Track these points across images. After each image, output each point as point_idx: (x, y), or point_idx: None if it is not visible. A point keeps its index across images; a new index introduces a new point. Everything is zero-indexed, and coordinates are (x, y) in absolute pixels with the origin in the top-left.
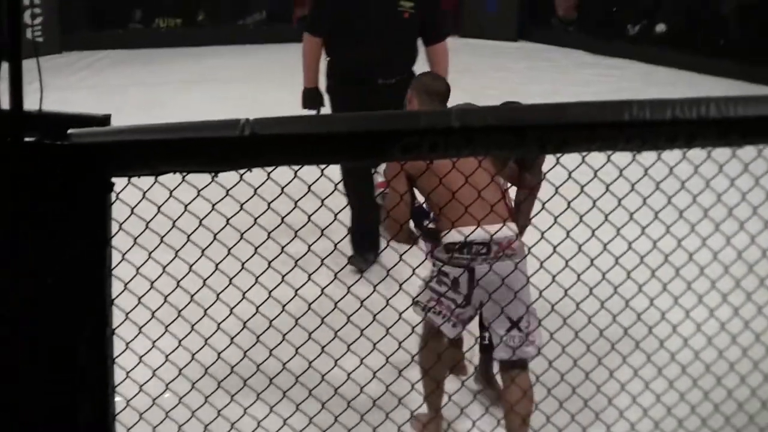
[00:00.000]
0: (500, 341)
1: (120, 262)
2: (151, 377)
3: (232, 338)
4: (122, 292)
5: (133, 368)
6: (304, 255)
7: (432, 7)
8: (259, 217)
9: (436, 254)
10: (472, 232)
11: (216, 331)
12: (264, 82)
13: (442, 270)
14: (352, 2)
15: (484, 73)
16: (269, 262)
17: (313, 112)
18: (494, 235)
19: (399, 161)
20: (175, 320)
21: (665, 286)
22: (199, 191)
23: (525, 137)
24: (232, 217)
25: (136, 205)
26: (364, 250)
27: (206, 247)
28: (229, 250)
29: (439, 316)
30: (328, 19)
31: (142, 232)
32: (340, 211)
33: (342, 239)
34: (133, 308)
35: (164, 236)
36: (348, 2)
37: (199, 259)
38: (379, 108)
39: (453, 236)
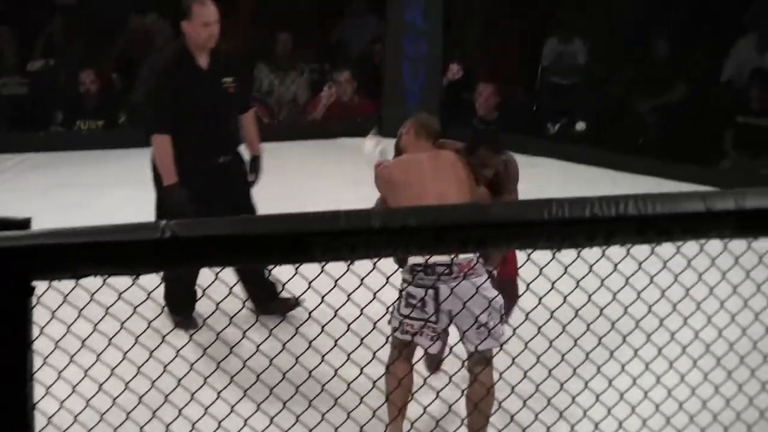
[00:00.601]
0: (463, 336)
1: (41, 366)
2: None
3: None
4: (44, 396)
5: None
6: (225, 357)
7: (242, 79)
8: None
9: (402, 275)
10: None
11: None
12: None
13: (408, 292)
14: (188, 91)
15: None
16: (191, 364)
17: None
18: (455, 258)
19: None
20: (98, 424)
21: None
22: (120, 294)
23: (445, 237)
24: (153, 320)
25: (57, 309)
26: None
27: (128, 350)
28: (151, 353)
29: (410, 335)
30: (173, 115)
31: (63, 336)
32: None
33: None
34: (55, 412)
35: (85, 339)
36: (185, 92)
37: (120, 362)
38: (222, 186)
39: (416, 258)
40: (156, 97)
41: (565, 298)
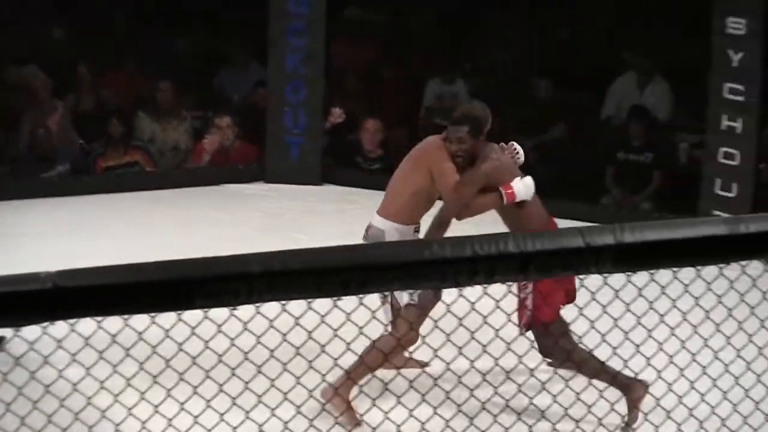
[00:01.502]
0: None
1: None
2: None
3: None
4: None
5: None
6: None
7: None
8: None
9: None
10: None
11: None
12: (75, 233)
13: None
14: None
15: (293, 218)
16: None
17: None
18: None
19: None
20: None
21: None
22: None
23: (326, 279)
24: (35, 371)
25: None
26: None
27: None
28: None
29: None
30: None
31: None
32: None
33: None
34: None
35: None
36: None
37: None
38: None
39: None
40: None
41: (472, 334)
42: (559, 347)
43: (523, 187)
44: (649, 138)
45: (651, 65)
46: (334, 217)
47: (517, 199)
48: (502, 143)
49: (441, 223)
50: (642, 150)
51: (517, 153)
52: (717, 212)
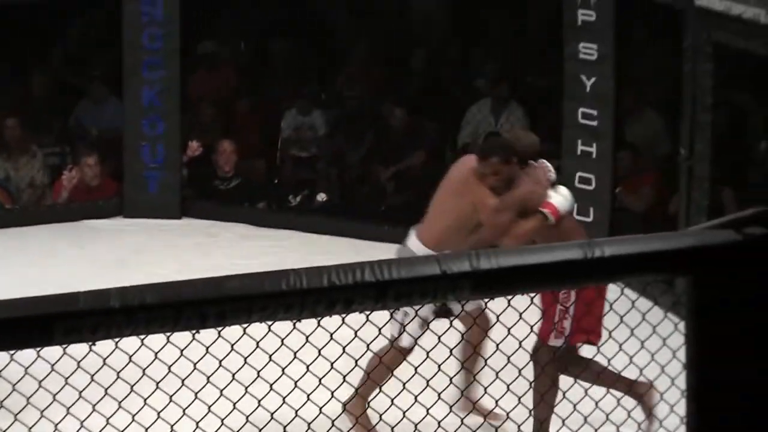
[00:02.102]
0: None
1: None
2: None
3: None
4: None
5: None
6: None
7: None
8: None
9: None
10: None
11: None
12: None
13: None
14: None
15: (153, 252)
16: None
17: None
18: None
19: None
20: None
21: None
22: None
23: (183, 313)
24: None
25: None
26: None
27: None
28: None
29: None
30: None
31: None
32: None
33: None
34: None
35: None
36: None
37: None
38: None
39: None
40: None
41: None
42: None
43: (562, 198)
44: None
45: (506, 91)
46: (194, 250)
47: (562, 212)
48: (531, 161)
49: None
50: None
51: (549, 171)
52: None
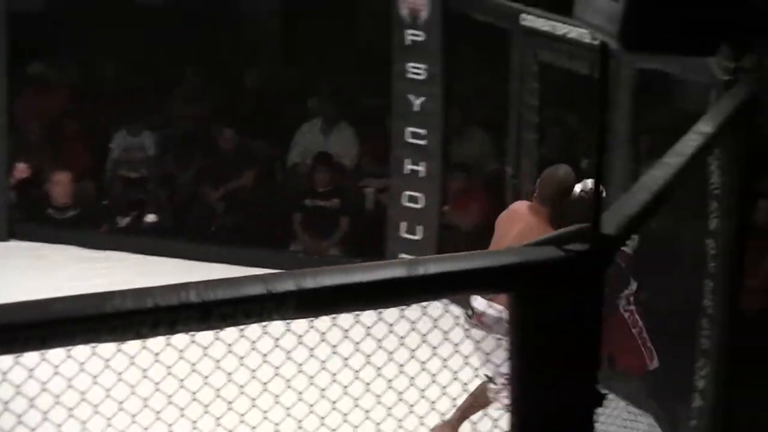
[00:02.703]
0: None
1: None
2: None
3: None
4: None
5: None
6: None
7: None
8: None
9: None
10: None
11: None
12: None
13: None
14: None
15: None
16: None
17: None
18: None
19: None
20: None
21: None
22: None
23: (6, 336)
24: None
25: None
26: None
27: None
28: None
29: None
30: None
31: None
32: None
33: None
34: None
35: None
36: None
37: None
38: None
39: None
40: None
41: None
42: None
43: None
44: (336, 184)
45: (335, 111)
46: (20, 273)
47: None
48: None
49: None
50: (328, 196)
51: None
52: (403, 255)
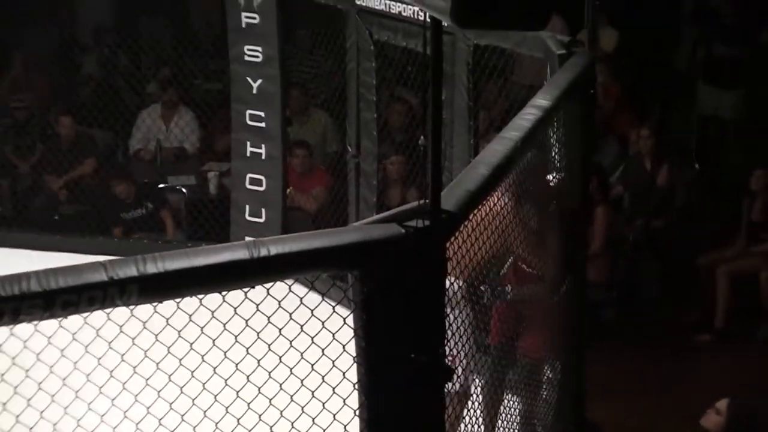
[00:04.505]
0: None
1: None
2: None
3: None
4: None
5: None
6: None
7: None
8: None
9: None
10: None
11: None
12: None
13: None
14: None
15: None
16: None
17: None
18: None
19: None
20: None
21: None
22: None
23: None
24: None
25: None
26: None
27: None
28: None
29: None
30: None
31: None
32: None
33: None
34: None
35: None
36: None
37: None
38: None
39: None
40: None
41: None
42: None
43: None
44: (180, 168)
45: (175, 96)
46: None
47: None
48: None
49: None
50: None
51: None
52: (248, 238)
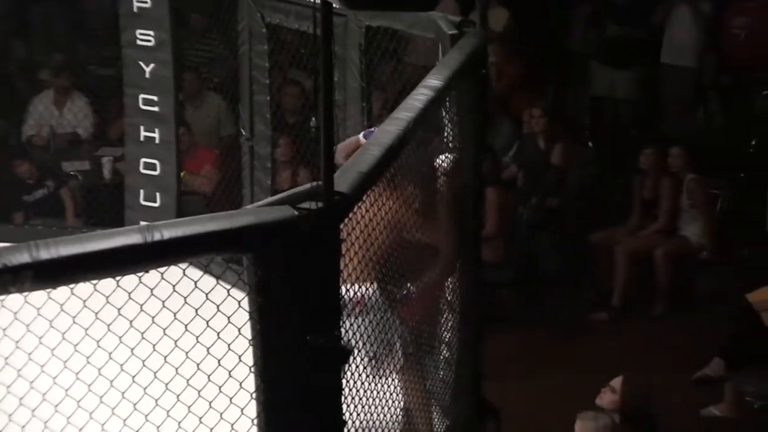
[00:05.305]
0: None
1: None
2: None
3: None
4: None
5: None
6: None
7: None
8: None
9: None
10: None
11: None
12: None
13: None
14: None
15: None
16: None
17: None
18: None
19: None
20: None
21: None
22: None
23: None
24: None
25: None
26: None
27: None
28: None
29: None
30: None
31: None
32: None
33: None
34: None
35: None
36: None
37: None
38: None
39: None
40: None
41: None
42: None
43: None
44: (74, 154)
45: (68, 82)
46: None
47: None
48: None
49: None
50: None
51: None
52: (143, 223)
